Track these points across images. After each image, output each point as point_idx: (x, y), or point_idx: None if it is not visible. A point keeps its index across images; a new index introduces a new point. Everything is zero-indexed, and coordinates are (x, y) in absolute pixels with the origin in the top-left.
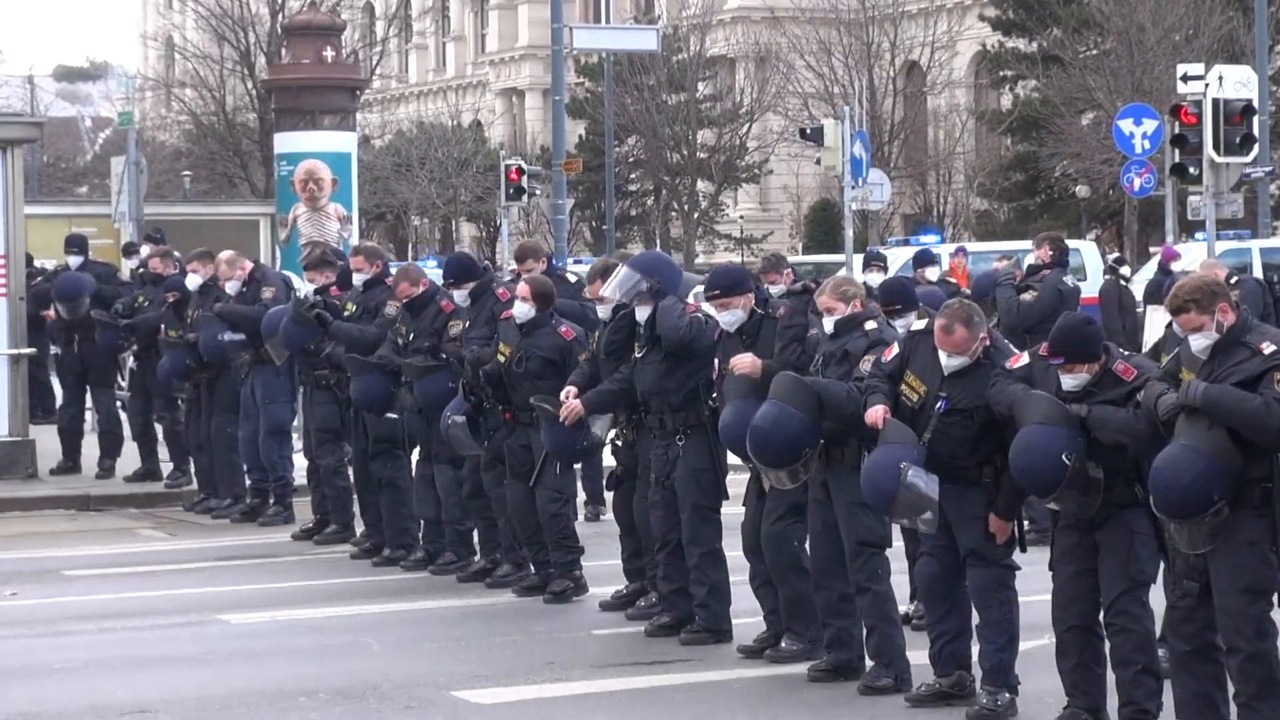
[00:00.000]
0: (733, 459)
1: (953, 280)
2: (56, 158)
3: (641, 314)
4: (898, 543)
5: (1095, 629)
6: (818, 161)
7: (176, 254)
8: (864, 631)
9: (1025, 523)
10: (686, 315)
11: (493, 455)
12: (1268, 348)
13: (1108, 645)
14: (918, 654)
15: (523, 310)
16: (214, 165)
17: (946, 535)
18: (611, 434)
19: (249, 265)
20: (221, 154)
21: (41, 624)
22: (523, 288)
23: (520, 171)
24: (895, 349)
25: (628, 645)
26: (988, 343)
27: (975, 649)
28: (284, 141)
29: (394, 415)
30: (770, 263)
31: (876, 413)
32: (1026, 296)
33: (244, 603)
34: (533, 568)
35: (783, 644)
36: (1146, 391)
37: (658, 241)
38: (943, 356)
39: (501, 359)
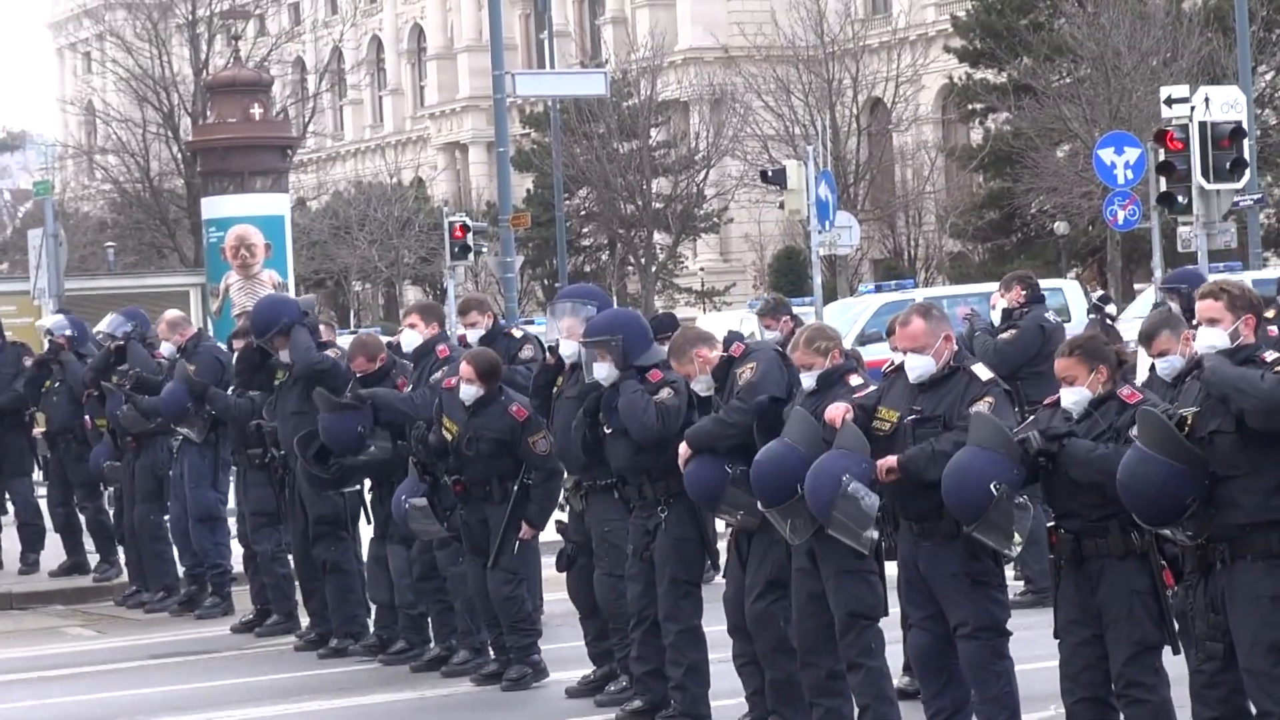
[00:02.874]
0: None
1: None
2: None
3: (600, 372)
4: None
5: (1109, 700)
6: (780, 205)
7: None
8: (855, 711)
9: (1021, 582)
10: (651, 407)
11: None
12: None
13: (1122, 717)
14: None
15: (469, 392)
16: (141, 235)
17: (936, 603)
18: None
19: (191, 330)
20: (148, 223)
21: None
22: (465, 368)
23: (465, 229)
24: (873, 387)
25: None
26: (955, 348)
27: None
28: (212, 206)
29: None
30: (769, 306)
31: (837, 410)
32: (1005, 336)
33: (178, 704)
34: (492, 652)
35: None
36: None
37: (614, 298)
38: (908, 364)
39: (448, 435)
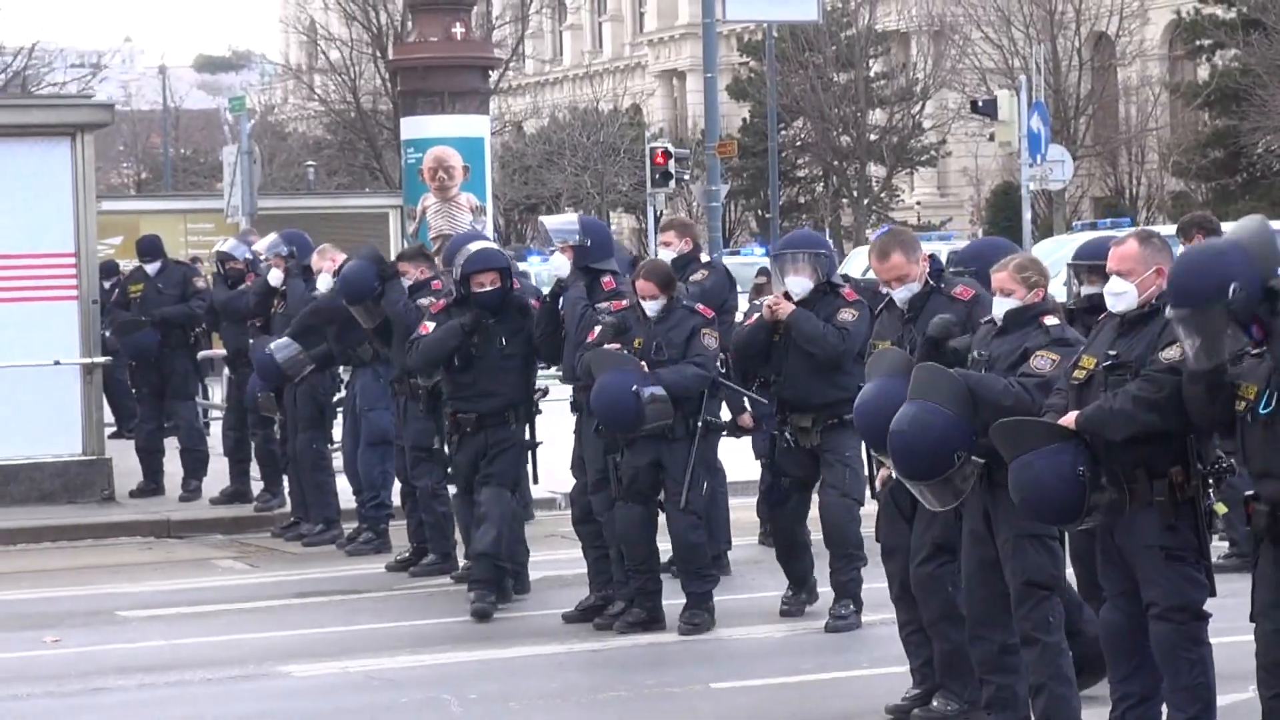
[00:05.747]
0: None
1: None
2: (194, 150)
3: (798, 286)
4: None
5: None
6: (991, 137)
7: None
8: (1030, 690)
9: (1226, 544)
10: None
11: (600, 475)
12: None
13: None
14: (1095, 712)
15: (653, 307)
16: (353, 157)
17: (1131, 578)
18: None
19: (340, 258)
20: (358, 144)
21: (75, 678)
22: (644, 284)
23: (667, 155)
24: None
25: (751, 700)
26: (1163, 286)
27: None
28: (411, 127)
29: None
30: None
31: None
32: None
33: (314, 650)
34: (634, 600)
35: (935, 703)
36: None
37: (827, 230)
38: (1109, 288)
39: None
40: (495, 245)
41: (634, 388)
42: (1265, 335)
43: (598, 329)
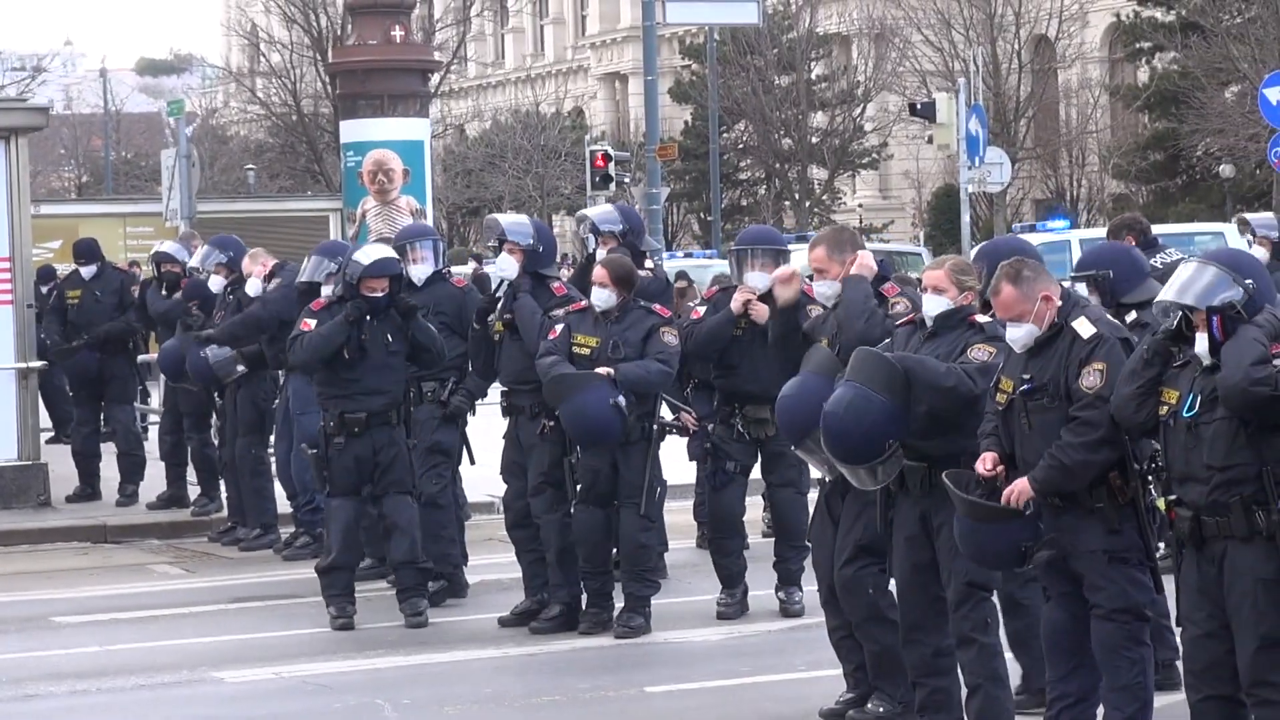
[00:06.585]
0: None
1: None
2: (135, 154)
3: (761, 281)
4: None
5: (1239, 697)
6: (929, 139)
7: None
8: (964, 692)
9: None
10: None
11: (542, 478)
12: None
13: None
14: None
15: (602, 296)
16: (295, 160)
17: (1075, 580)
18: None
19: (270, 262)
20: (299, 148)
21: (8, 684)
22: (600, 272)
23: (606, 158)
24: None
25: (687, 704)
26: (1059, 304)
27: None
28: (350, 130)
29: None
30: None
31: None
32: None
33: (248, 655)
34: (586, 599)
35: (869, 705)
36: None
37: None
38: (1009, 336)
39: (587, 350)
40: (393, 254)
41: (611, 401)
42: (1224, 336)
43: (559, 328)
